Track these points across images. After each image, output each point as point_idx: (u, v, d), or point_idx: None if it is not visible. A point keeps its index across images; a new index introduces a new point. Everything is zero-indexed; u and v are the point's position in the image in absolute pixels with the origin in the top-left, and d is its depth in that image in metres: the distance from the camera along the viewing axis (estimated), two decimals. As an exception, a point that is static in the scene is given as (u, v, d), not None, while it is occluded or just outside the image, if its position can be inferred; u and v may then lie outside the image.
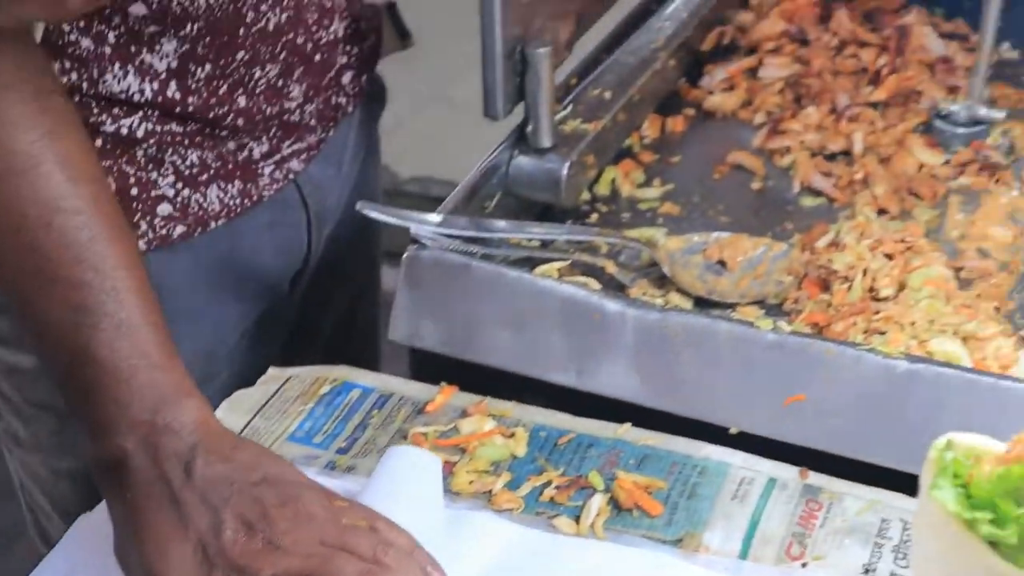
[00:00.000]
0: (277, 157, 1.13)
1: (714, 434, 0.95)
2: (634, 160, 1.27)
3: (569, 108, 1.20)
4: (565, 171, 1.13)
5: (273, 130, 1.11)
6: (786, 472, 0.92)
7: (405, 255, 1.03)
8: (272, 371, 1.04)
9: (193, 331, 1.08)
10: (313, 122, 1.14)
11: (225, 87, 1.05)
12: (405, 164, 3.00)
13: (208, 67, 1.03)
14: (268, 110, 1.09)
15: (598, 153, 1.20)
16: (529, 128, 1.14)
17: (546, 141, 1.14)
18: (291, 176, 1.14)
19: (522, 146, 1.15)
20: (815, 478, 0.91)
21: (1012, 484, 0.60)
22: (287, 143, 1.13)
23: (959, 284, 1.08)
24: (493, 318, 1.00)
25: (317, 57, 1.11)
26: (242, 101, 1.06)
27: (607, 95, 1.23)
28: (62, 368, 0.84)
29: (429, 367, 1.04)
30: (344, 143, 1.22)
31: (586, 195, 1.22)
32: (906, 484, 0.86)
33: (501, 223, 1.09)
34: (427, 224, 1.04)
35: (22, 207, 0.82)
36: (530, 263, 1.08)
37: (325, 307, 1.28)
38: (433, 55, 3.41)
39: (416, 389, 1.01)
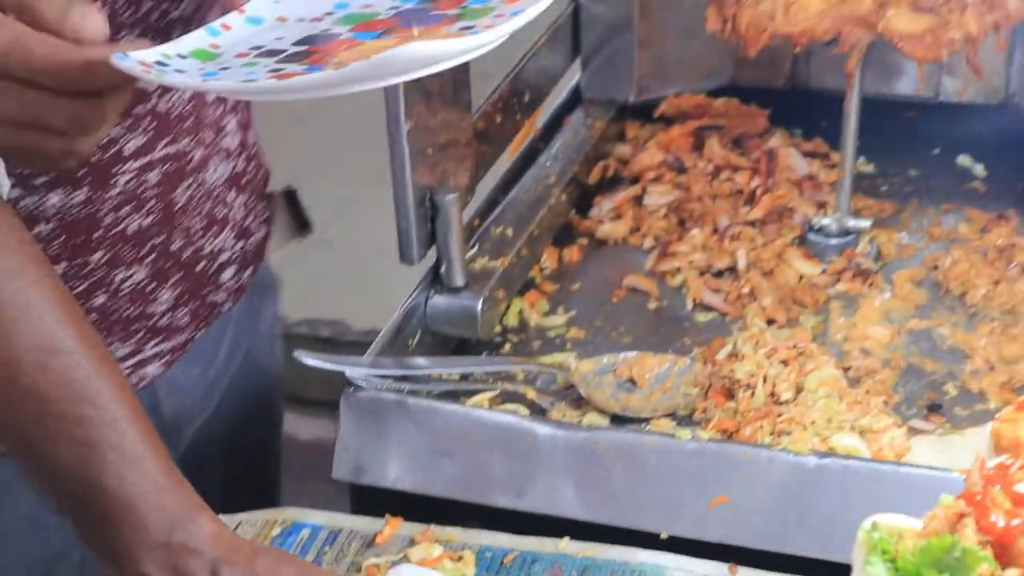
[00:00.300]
0: (135, 360, 1.10)
1: (647, 540, 1.02)
2: (538, 291, 1.36)
3: (476, 247, 1.28)
4: (480, 307, 1.21)
5: (137, 334, 1.08)
6: (717, 570, 0.99)
7: (343, 398, 1.09)
8: (221, 518, 1.07)
9: (39, 537, 1.05)
10: (185, 322, 1.13)
11: (82, 286, 1.04)
12: (292, 308, 3.05)
13: (63, 265, 1.02)
14: (130, 312, 1.07)
15: (506, 287, 1.28)
16: (442, 269, 1.22)
17: (459, 280, 1.22)
18: (144, 383, 1.11)
19: (437, 286, 1.22)
20: (744, 572, 0.99)
21: (933, 555, 0.68)
22: (151, 344, 1.11)
23: (849, 383, 1.17)
24: (432, 450, 1.06)
25: (200, 266, 1.11)
26: (100, 299, 1.05)
27: (509, 232, 1.32)
28: (74, 503, 0.86)
29: (370, 500, 1.09)
30: (217, 344, 1.20)
31: (497, 327, 1.29)
32: (826, 570, 0.95)
33: (425, 360, 1.16)
34: (360, 367, 1.10)
35: (16, 354, 0.84)
36: (453, 395, 1.15)
37: (219, 470, 1.26)
38: (310, 199, 3.51)
39: (362, 523, 1.06)
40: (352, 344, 2.93)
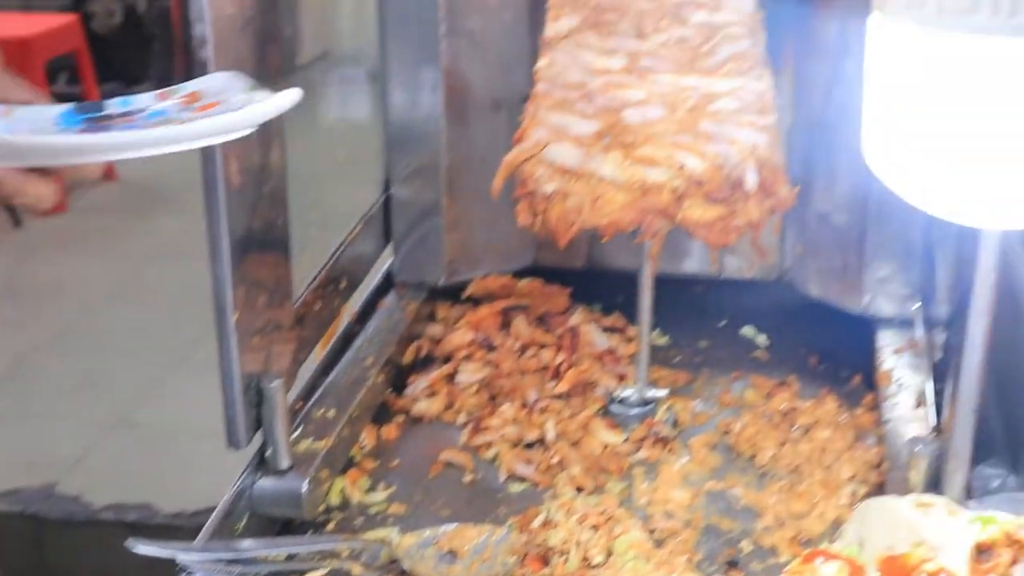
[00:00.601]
0: None
1: None
2: (359, 469, 1.41)
3: (300, 429, 1.34)
4: (305, 488, 1.26)
5: None
6: None
7: (175, 585, 1.11)
8: None
9: None
10: None
11: None
12: (97, 493, 3.01)
13: None
14: None
15: (329, 467, 1.34)
16: (268, 453, 1.26)
17: (285, 463, 1.27)
18: None
19: (263, 469, 1.27)
20: None
21: None
22: None
23: (655, 544, 1.26)
24: (265, 630, 1.10)
25: None
26: None
27: (331, 414, 1.38)
28: None
29: None
30: None
31: (321, 506, 1.34)
32: None
33: (253, 543, 1.20)
34: (191, 552, 1.13)
35: None
36: (281, 575, 1.19)
37: None
38: (112, 379, 3.48)
39: None
40: (161, 528, 2.90)
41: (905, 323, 1.56)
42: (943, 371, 1.37)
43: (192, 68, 1.14)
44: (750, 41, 1.32)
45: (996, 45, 0.77)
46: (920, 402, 1.41)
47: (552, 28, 1.32)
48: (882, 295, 1.57)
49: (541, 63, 1.34)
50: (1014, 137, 0.80)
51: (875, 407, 1.47)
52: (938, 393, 1.39)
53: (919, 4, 0.79)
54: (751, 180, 1.33)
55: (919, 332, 1.53)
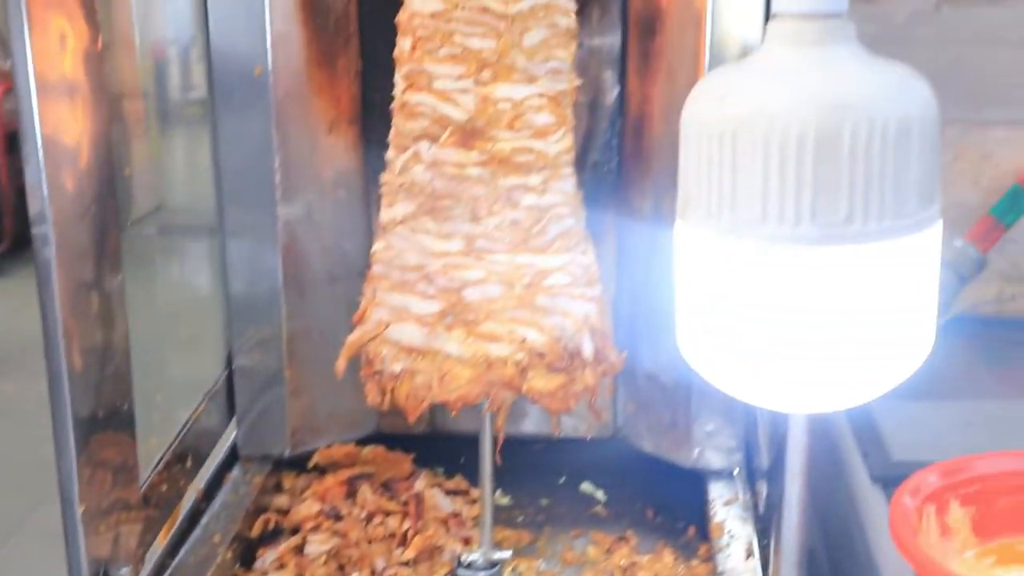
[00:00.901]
0: None
1: None
2: (209, 648, 1.42)
3: (149, 612, 1.34)
4: (156, 672, 1.26)
5: None
6: None
7: None
8: None
9: None
10: None
11: None
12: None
13: None
14: None
15: (180, 648, 1.34)
16: (119, 637, 1.26)
17: (135, 648, 1.27)
18: None
19: (114, 656, 1.27)
20: None
21: None
22: None
23: None
24: None
25: None
26: None
27: (181, 596, 1.39)
28: None
29: None
30: None
31: None
32: None
33: None
34: None
35: None
36: None
37: None
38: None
39: None
40: None
41: (734, 475, 1.64)
42: (768, 523, 1.45)
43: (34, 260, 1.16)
44: (573, 219, 1.40)
45: (784, 252, 0.86)
46: (750, 553, 1.48)
47: (387, 214, 1.38)
48: (710, 448, 1.65)
49: (377, 246, 1.40)
50: (807, 337, 0.89)
51: (710, 558, 1.54)
52: (764, 547, 1.46)
53: (716, 215, 0.88)
54: (588, 349, 1.40)
55: (741, 488, 1.61)
